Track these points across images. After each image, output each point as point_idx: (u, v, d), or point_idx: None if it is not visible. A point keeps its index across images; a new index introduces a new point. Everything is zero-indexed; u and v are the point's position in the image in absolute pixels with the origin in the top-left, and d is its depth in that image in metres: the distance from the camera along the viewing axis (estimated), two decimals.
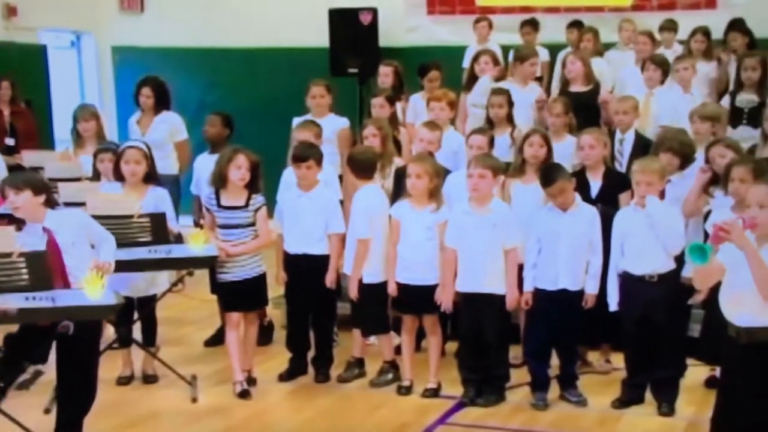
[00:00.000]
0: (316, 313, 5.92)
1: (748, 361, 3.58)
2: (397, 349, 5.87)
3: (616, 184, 5.78)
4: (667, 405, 5.20)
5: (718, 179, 5.42)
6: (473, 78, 7.57)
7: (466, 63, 8.39)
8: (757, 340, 3.55)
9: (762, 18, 8.27)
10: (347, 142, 6.99)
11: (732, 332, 3.61)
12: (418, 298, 5.56)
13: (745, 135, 6.35)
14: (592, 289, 5.32)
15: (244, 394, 5.59)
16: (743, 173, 5.01)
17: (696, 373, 5.57)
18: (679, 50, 8.00)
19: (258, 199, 5.65)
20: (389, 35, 9.94)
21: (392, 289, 5.61)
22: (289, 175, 6.11)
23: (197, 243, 5.42)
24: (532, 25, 8.96)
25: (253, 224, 5.63)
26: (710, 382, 5.43)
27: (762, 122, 6.11)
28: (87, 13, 10.98)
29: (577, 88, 7.11)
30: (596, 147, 5.80)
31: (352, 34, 9.82)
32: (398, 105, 7.39)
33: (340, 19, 9.94)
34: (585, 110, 6.80)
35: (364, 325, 5.88)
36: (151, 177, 5.76)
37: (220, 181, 5.59)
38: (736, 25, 8.06)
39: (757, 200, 3.54)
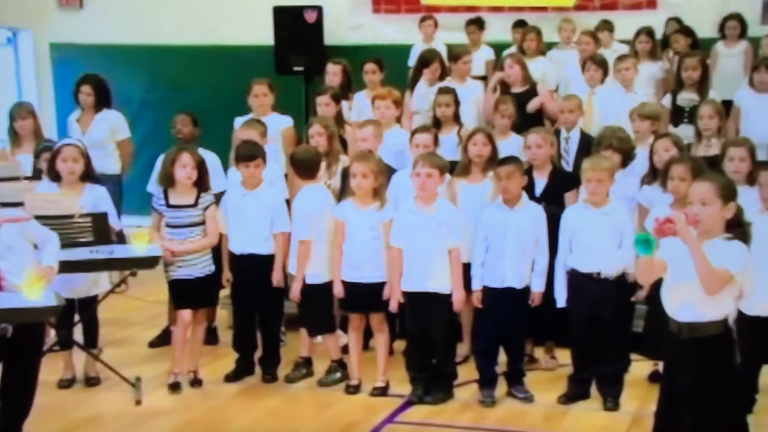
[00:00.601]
0: (263, 313, 5.87)
1: (690, 356, 3.63)
2: (345, 348, 5.84)
3: (561, 183, 5.84)
4: (612, 400, 5.25)
5: (655, 174, 5.51)
6: (417, 72, 7.55)
7: (411, 61, 8.39)
8: (698, 335, 3.60)
9: (700, 19, 8.42)
10: (292, 141, 6.93)
11: (673, 328, 3.65)
12: (364, 297, 5.55)
13: (687, 133, 6.45)
14: (538, 287, 5.36)
15: (175, 387, 5.59)
16: (683, 172, 5.09)
17: (639, 368, 5.63)
18: (619, 50, 8.10)
19: (207, 198, 5.64)
20: (334, 33, 9.89)
21: (338, 291, 5.59)
22: (232, 174, 6.05)
23: (140, 243, 5.36)
24: (477, 24, 9.00)
25: (202, 223, 5.62)
26: (653, 377, 5.51)
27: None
28: (24, 9, 10.74)
29: (516, 89, 7.17)
30: (543, 146, 5.85)
31: (297, 33, 9.75)
32: (344, 104, 7.37)
33: (284, 17, 9.86)
34: (524, 110, 6.87)
35: (310, 326, 5.84)
36: (89, 175, 5.66)
37: (167, 181, 5.58)
38: (676, 26, 8.19)
39: (700, 198, 3.57)
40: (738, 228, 3.61)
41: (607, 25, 8.47)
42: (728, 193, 3.62)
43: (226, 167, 6.32)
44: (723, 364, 3.63)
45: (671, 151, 5.49)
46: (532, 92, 7.15)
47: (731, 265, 3.58)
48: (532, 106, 6.66)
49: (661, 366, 5.26)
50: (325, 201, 5.75)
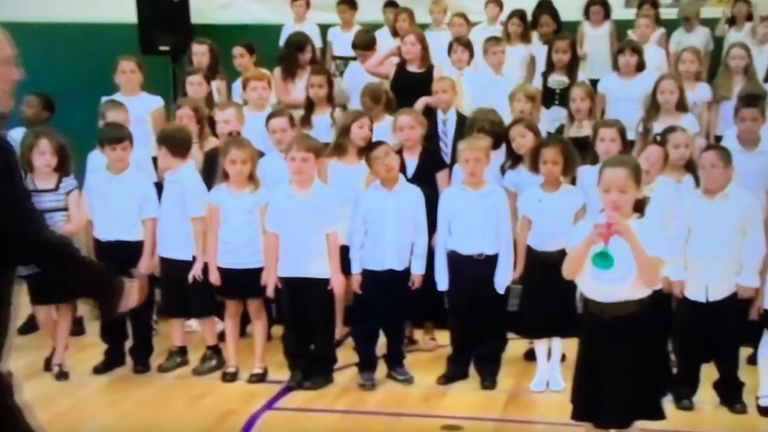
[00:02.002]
0: None
1: (611, 335, 3.66)
2: (221, 336, 5.71)
3: (432, 164, 5.86)
4: (489, 378, 5.31)
5: (518, 159, 5.59)
6: (292, 57, 7.39)
7: (282, 41, 8.23)
8: (619, 313, 3.64)
9: (567, 2, 8.57)
10: (162, 122, 6.69)
11: (594, 309, 3.69)
12: (241, 283, 5.44)
13: (558, 115, 6.58)
14: (418, 269, 5.36)
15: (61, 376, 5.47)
16: (554, 155, 5.18)
17: (514, 346, 5.71)
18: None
19: (69, 182, 5.44)
20: (201, 12, 9.56)
21: (215, 278, 5.45)
22: (96, 157, 5.81)
23: None
24: (348, 3, 8.90)
25: (65, 208, 5.41)
26: (528, 355, 5.61)
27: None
28: None
29: (413, 68, 7.10)
30: (416, 127, 5.85)
31: (161, 10, 9.37)
32: (214, 84, 7.17)
33: None
34: (420, 91, 6.81)
35: (193, 307, 5.67)
36: None
37: (26, 165, 5.33)
38: (545, 8, 8.32)
39: (618, 186, 3.60)
40: (641, 206, 3.67)
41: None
42: (639, 176, 3.68)
43: (86, 150, 6.00)
44: (644, 341, 3.69)
45: (527, 137, 5.56)
46: (428, 76, 7.04)
47: (660, 251, 3.64)
48: (419, 105, 6.62)
49: (536, 344, 5.39)
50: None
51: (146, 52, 8.99)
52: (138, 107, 6.34)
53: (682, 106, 6.10)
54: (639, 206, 3.67)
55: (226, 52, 7.55)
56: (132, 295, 2.94)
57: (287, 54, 7.46)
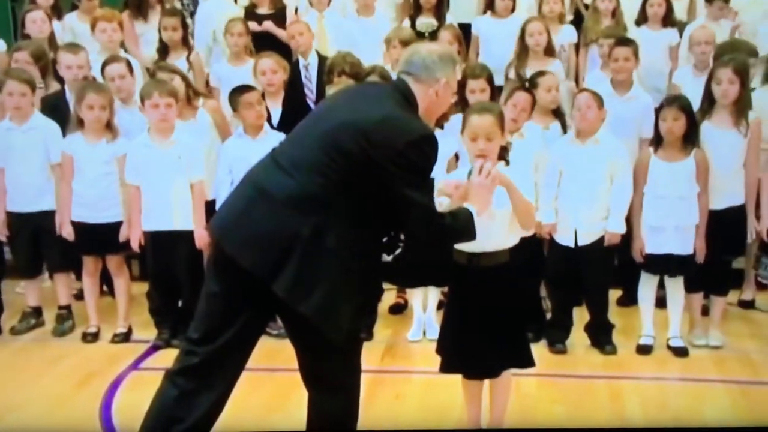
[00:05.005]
0: None
1: (478, 286, 3.61)
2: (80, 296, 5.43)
3: (296, 110, 5.61)
4: (366, 329, 5.19)
5: None
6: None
7: None
8: (489, 264, 3.60)
9: None
10: (4, 67, 6.18)
11: (462, 259, 3.61)
12: (99, 239, 5.17)
13: None
14: None
15: None
16: None
17: (391, 297, 5.66)
18: None
19: None
20: None
21: (68, 233, 5.16)
22: None
23: None
24: None
25: None
26: (394, 309, 5.62)
27: None
28: None
29: (264, 10, 6.80)
30: (278, 71, 5.68)
31: None
32: (57, 24, 6.66)
33: None
34: (271, 35, 6.60)
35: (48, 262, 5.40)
36: None
37: None
38: None
39: (486, 133, 3.53)
40: (503, 152, 3.61)
41: None
42: (504, 123, 3.62)
43: None
44: (512, 291, 3.65)
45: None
46: (280, 16, 6.79)
47: (530, 197, 3.62)
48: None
49: (408, 294, 5.36)
50: None
51: None
52: None
53: (549, 50, 6.09)
54: (503, 153, 3.62)
55: None
56: None
57: None
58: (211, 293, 3.12)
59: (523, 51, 6.08)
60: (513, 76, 5.97)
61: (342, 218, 2.97)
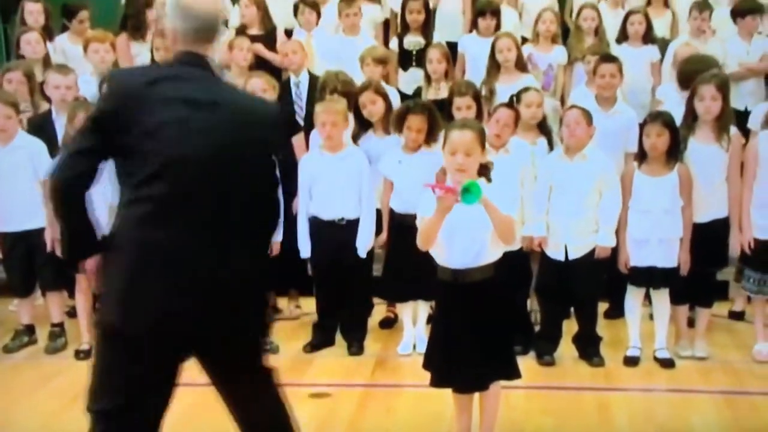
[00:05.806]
0: None
1: (463, 302, 3.66)
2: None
3: (287, 128, 5.70)
4: (356, 344, 5.29)
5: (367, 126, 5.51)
6: (139, 15, 7.00)
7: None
8: (472, 279, 3.64)
9: None
10: None
11: (446, 276, 3.67)
12: None
13: (416, 77, 6.53)
14: (278, 236, 5.23)
15: None
16: (419, 123, 5.14)
17: (380, 311, 5.72)
18: None
19: None
20: None
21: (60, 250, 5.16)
22: None
23: None
24: None
25: None
26: (384, 324, 5.67)
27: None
28: None
29: (254, 31, 6.88)
30: (268, 90, 5.70)
31: None
32: (50, 45, 6.74)
33: None
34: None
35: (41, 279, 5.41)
36: None
37: None
38: None
39: (465, 149, 3.58)
40: (485, 170, 3.67)
41: None
42: (484, 140, 3.68)
43: None
44: (497, 305, 3.68)
45: (378, 104, 5.48)
46: (269, 37, 6.85)
47: (511, 212, 3.64)
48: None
49: (398, 308, 5.40)
50: None
51: None
52: None
53: (520, 65, 6.17)
54: (484, 171, 3.67)
55: (56, 12, 7.11)
56: None
57: (134, 12, 7.05)
58: None
59: (493, 67, 6.16)
60: (485, 93, 6.00)
61: None
